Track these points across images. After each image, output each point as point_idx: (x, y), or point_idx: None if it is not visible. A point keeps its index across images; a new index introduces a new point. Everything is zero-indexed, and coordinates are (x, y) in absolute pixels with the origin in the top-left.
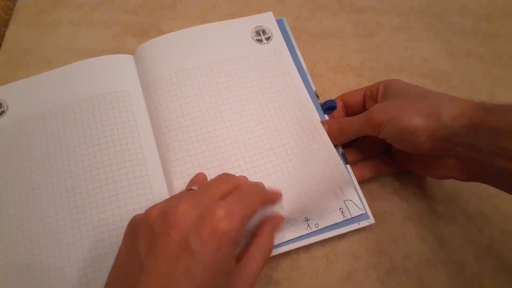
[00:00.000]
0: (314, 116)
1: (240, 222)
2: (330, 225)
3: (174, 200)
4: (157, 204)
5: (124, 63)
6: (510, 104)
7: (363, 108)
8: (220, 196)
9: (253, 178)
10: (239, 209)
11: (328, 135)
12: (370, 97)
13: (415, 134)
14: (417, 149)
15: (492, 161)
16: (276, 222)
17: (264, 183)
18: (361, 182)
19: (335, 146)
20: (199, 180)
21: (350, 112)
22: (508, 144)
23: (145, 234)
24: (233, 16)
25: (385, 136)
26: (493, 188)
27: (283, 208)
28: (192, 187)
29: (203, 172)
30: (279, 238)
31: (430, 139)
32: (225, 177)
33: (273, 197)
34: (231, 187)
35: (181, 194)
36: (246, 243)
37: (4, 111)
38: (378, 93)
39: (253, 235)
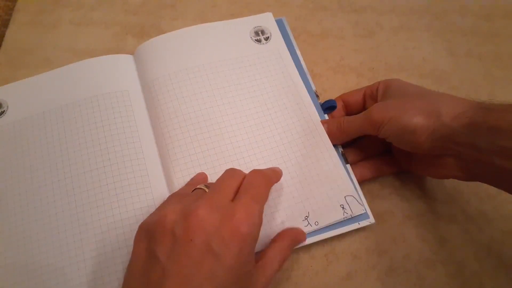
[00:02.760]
0: (314, 115)
1: (258, 219)
2: (330, 225)
3: (187, 202)
4: (168, 207)
5: (124, 63)
6: (511, 103)
7: (363, 108)
8: (232, 193)
9: None
10: (254, 207)
11: (328, 135)
12: (370, 97)
13: (415, 133)
14: (417, 148)
15: (492, 161)
16: (298, 237)
17: None
18: (361, 182)
19: (335, 145)
20: (200, 179)
21: (350, 112)
22: (508, 143)
23: (164, 239)
24: (233, 16)
25: (385, 135)
26: (493, 188)
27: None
28: (199, 187)
29: (203, 171)
30: None
31: (430, 138)
32: (232, 173)
33: (277, 176)
34: (240, 182)
35: (192, 196)
36: (265, 247)
37: (4, 111)
38: (378, 93)
39: (272, 240)
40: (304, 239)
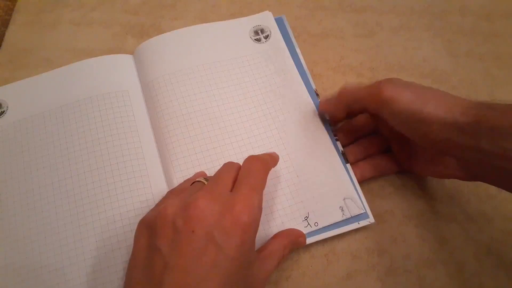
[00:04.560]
0: (315, 115)
1: (258, 209)
2: (329, 225)
3: (187, 195)
4: (167, 201)
5: (123, 63)
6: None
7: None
8: (231, 184)
9: None
10: (253, 195)
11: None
12: None
13: (424, 122)
14: (421, 137)
15: (493, 162)
16: (298, 239)
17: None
18: (362, 182)
19: (335, 145)
20: (199, 176)
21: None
22: (510, 144)
23: (165, 232)
24: (233, 16)
25: (390, 115)
26: (493, 188)
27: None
28: (198, 179)
29: (203, 171)
30: None
31: (438, 131)
32: (229, 165)
33: (274, 161)
34: (238, 173)
35: (191, 188)
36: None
37: (4, 111)
38: None
39: (274, 236)
40: (304, 243)
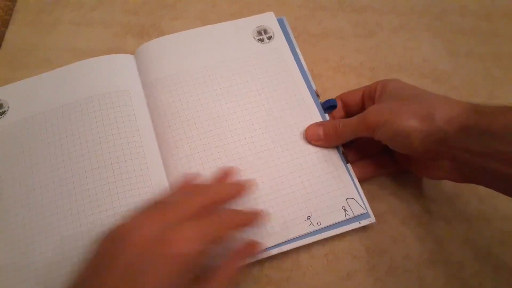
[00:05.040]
0: (315, 115)
1: (199, 248)
2: (331, 224)
3: (136, 215)
4: (119, 221)
5: (124, 63)
6: (502, 106)
7: (362, 108)
8: (192, 212)
9: (254, 176)
10: (202, 234)
11: (324, 138)
12: (369, 97)
13: (409, 137)
14: (411, 151)
15: (486, 164)
16: (249, 253)
17: (264, 183)
18: (362, 181)
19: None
20: (192, 180)
21: (349, 111)
22: (500, 147)
23: (95, 253)
24: (233, 15)
25: (380, 138)
26: None
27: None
28: (165, 199)
29: (199, 174)
30: (281, 237)
31: (424, 142)
32: (200, 190)
33: (249, 220)
34: (206, 203)
35: (148, 208)
36: (212, 269)
37: (5, 111)
38: (375, 94)
39: (221, 264)
40: (259, 251)
